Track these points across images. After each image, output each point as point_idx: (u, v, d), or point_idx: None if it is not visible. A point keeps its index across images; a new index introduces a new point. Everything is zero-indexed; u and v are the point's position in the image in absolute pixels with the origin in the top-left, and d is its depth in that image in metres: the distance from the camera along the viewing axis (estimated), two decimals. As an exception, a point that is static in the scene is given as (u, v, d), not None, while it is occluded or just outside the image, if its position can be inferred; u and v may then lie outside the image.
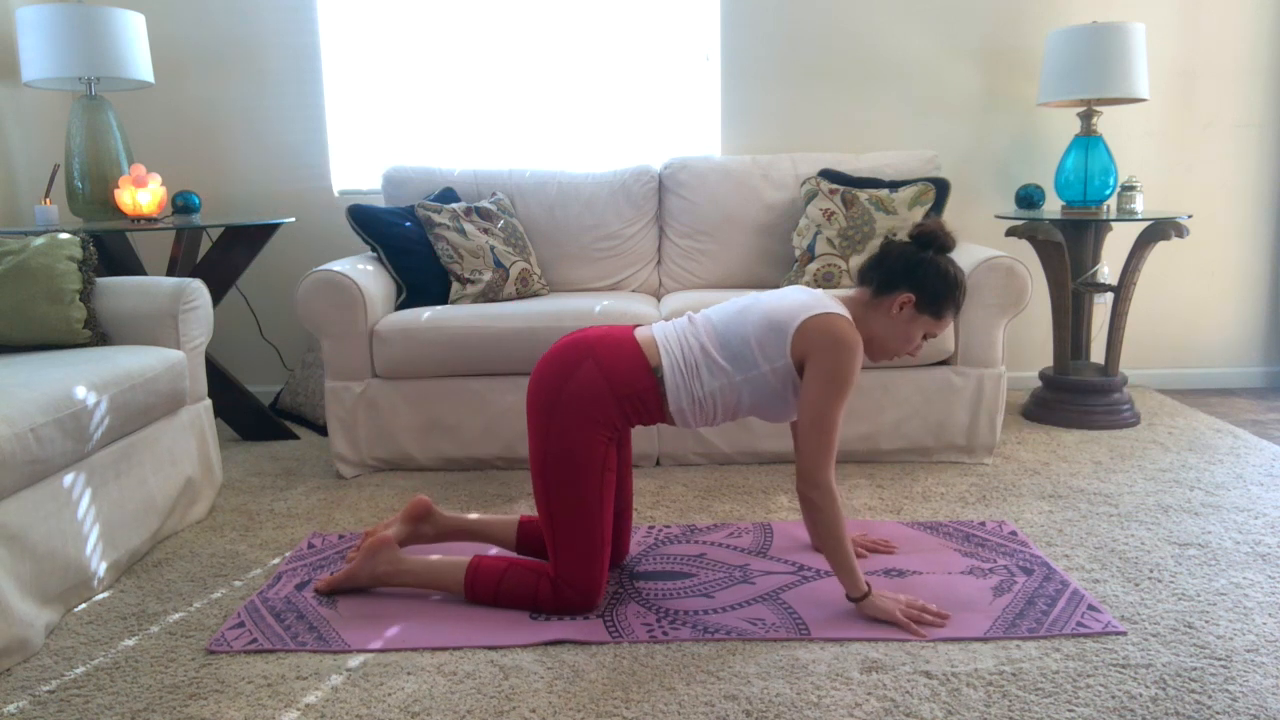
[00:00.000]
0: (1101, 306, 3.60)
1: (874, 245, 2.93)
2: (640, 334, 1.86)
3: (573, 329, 2.68)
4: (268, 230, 3.17)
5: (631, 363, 1.80)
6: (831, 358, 1.74)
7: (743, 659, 1.67)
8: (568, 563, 1.81)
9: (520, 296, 3.05)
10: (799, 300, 1.81)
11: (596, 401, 1.78)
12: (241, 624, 1.83)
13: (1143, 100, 3.22)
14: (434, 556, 1.97)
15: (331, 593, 1.95)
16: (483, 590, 1.87)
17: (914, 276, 1.80)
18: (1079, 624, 1.75)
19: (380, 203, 3.42)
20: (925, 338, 1.87)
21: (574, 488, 1.78)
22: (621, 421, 1.82)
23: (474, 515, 2.13)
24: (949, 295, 1.82)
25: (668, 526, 2.30)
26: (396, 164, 3.35)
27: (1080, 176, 3.24)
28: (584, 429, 1.77)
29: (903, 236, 1.91)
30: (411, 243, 2.97)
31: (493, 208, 3.14)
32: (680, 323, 1.88)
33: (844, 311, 1.80)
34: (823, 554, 1.79)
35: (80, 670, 1.68)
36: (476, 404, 2.73)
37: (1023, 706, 1.50)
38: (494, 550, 2.13)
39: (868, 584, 1.78)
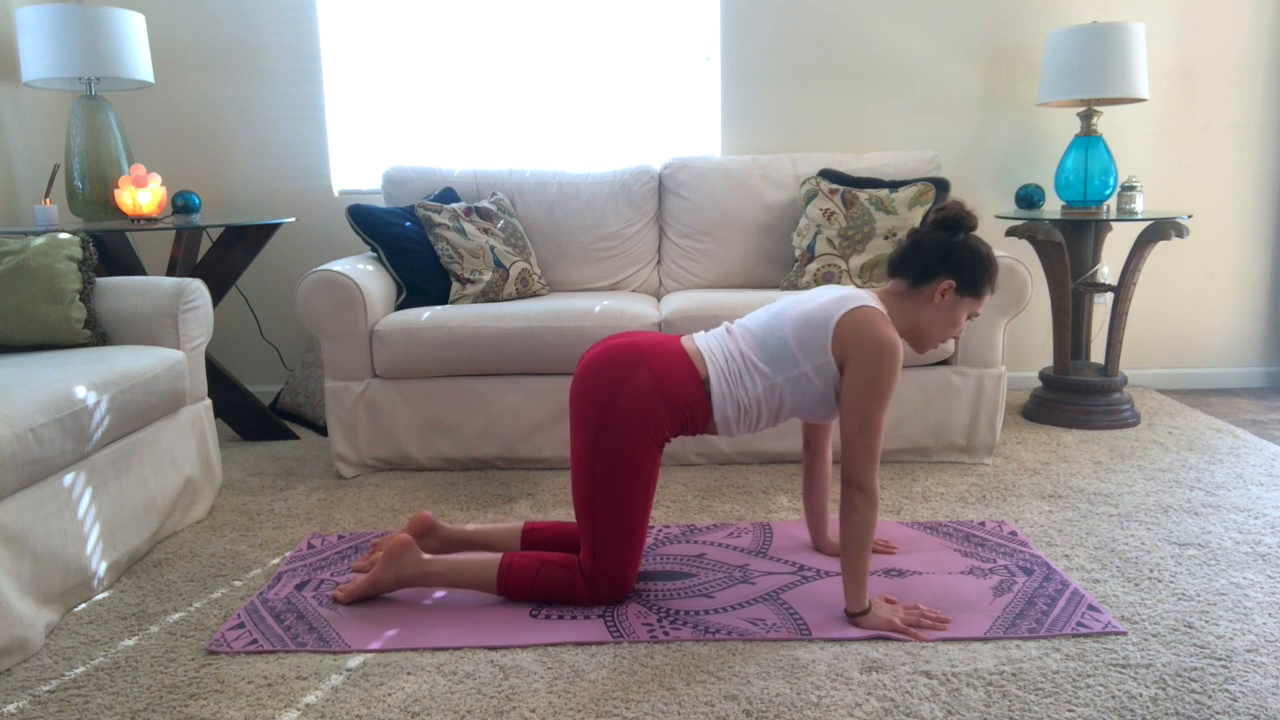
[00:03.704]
0: (1101, 306, 3.60)
1: (874, 245, 2.93)
2: (685, 344, 1.86)
3: (573, 329, 2.68)
4: (268, 230, 3.17)
5: (683, 373, 1.80)
6: (873, 366, 1.72)
7: (743, 659, 1.67)
8: (606, 562, 1.83)
9: (520, 296, 3.05)
10: (835, 295, 1.80)
11: (650, 413, 1.77)
12: (241, 624, 1.82)
13: (1143, 100, 3.22)
14: (459, 555, 1.97)
15: (354, 602, 1.91)
16: (517, 587, 1.87)
17: (951, 262, 1.79)
18: (1079, 624, 1.76)
19: (380, 203, 3.42)
20: (969, 318, 1.87)
21: (621, 495, 1.79)
22: (671, 432, 1.82)
23: (474, 526, 2.10)
24: (986, 273, 1.82)
25: (667, 526, 2.30)
26: (396, 164, 3.35)
27: (1080, 176, 3.24)
28: (637, 440, 1.78)
29: (918, 224, 1.90)
30: (411, 243, 2.97)
31: (493, 208, 3.14)
32: (719, 333, 1.88)
33: (880, 306, 1.79)
34: (841, 557, 1.77)
35: (80, 670, 1.68)
36: (476, 404, 2.73)
37: (1023, 706, 1.50)
38: None
39: (870, 601, 1.78)
